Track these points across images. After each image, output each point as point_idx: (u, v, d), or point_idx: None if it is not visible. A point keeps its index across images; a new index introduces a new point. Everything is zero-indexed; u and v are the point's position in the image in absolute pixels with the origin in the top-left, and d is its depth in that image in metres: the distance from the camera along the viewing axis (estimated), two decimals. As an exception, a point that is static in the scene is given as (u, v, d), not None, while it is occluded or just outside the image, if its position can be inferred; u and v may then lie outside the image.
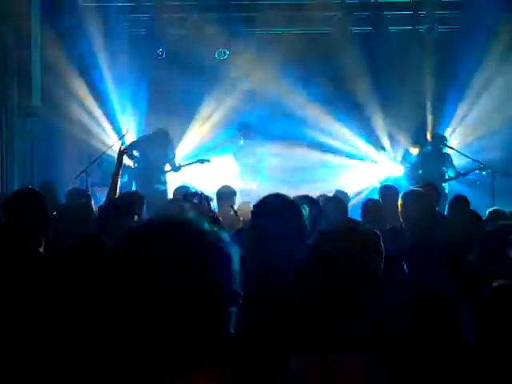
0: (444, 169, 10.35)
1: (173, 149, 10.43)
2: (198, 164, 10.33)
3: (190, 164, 10.36)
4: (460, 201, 6.53)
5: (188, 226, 1.41)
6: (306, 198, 3.79)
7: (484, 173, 10.26)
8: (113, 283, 1.36)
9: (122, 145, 6.31)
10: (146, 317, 1.32)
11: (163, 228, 1.40)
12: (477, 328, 1.86)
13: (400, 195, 5.58)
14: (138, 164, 9.94)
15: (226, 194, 6.73)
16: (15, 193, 3.95)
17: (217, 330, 1.37)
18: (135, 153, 9.74)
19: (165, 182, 9.94)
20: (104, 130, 11.73)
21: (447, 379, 2.78)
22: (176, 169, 10.04)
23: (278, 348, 2.21)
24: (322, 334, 2.05)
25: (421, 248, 4.01)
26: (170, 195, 8.25)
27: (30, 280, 3.15)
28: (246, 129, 11.12)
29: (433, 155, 10.44)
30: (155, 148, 10.01)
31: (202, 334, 1.35)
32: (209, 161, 10.32)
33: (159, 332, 1.32)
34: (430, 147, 10.70)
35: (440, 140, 10.56)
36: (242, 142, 11.07)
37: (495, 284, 1.84)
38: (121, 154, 6.25)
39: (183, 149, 11.75)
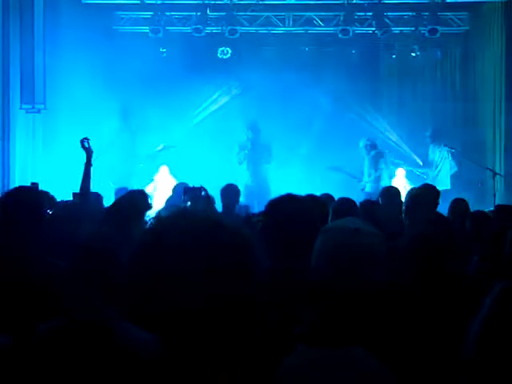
0: None
1: None
2: None
3: None
4: (460, 203, 6.53)
5: (217, 226, 1.38)
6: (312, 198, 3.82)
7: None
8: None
9: None
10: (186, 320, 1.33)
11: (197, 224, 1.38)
12: (480, 332, 1.65)
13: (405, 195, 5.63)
14: None
15: (230, 192, 6.71)
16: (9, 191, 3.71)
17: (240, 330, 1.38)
18: None
19: None
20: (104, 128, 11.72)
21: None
22: None
23: (281, 341, 2.22)
24: (321, 326, 2.07)
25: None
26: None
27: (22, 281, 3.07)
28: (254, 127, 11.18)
29: None
30: None
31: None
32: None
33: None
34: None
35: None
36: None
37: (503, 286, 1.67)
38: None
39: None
